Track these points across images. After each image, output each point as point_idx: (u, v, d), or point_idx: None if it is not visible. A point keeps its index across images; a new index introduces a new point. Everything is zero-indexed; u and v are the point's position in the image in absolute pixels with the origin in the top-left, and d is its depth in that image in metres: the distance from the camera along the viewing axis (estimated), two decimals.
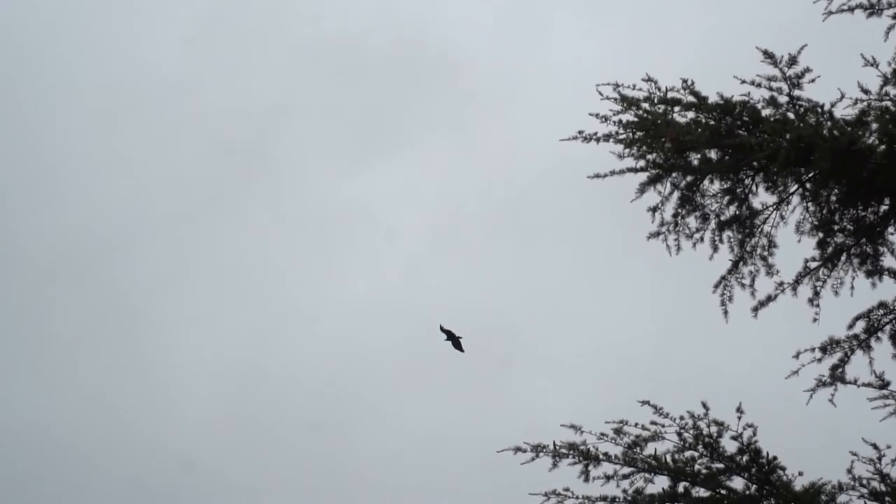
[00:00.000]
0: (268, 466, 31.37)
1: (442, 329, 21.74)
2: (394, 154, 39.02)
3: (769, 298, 10.15)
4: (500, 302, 33.98)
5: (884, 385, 9.99)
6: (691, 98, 9.71)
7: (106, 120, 38.31)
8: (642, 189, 9.90)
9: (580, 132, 9.88)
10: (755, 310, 10.16)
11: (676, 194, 9.96)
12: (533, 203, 36.27)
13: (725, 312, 10.16)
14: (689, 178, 9.85)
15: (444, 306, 34.16)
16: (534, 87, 38.45)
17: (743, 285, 10.15)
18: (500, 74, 39.25)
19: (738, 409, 10.15)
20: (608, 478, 10.12)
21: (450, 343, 21.47)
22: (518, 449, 10.11)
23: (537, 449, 10.12)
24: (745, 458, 10.08)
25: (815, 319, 10.10)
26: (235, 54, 39.75)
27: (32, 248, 36.52)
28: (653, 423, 10.19)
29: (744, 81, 9.55)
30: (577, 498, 10.11)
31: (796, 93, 9.52)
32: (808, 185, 9.73)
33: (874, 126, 9.37)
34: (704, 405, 10.23)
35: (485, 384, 31.06)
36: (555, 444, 10.12)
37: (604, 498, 10.11)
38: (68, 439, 32.17)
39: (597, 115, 9.83)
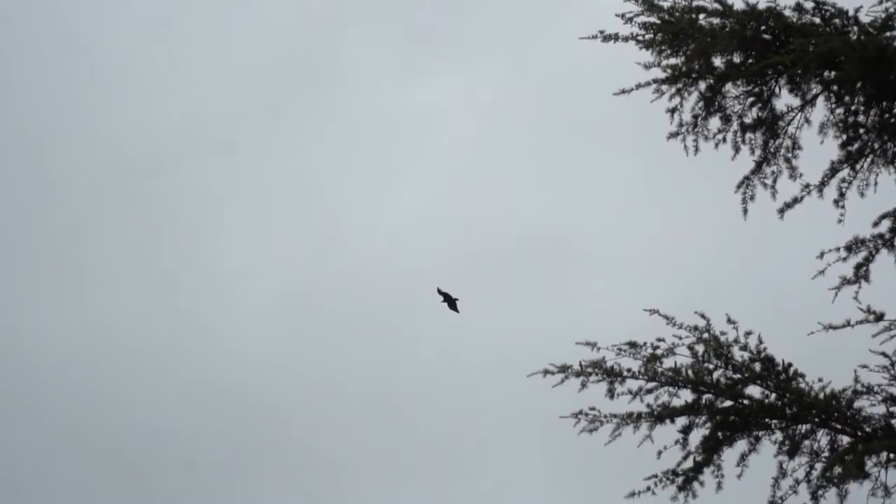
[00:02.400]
0: (315, 385, 31.90)
1: (439, 291, 22.08)
2: (447, 66, 39.10)
3: (795, 200, 10.24)
4: (554, 210, 34.24)
5: (879, 317, 9.86)
6: (716, 6, 9.73)
7: (158, 33, 38.62)
8: (661, 90, 9.98)
9: (601, 31, 9.94)
10: (781, 211, 10.27)
11: (697, 95, 9.99)
12: (586, 113, 36.30)
13: (745, 211, 10.32)
14: (711, 81, 9.89)
15: (498, 216, 34.43)
16: None
17: (765, 185, 10.28)
18: None
19: (729, 320, 10.25)
20: (633, 394, 10.25)
21: (446, 304, 21.86)
22: (546, 371, 10.27)
23: (564, 370, 10.27)
24: (759, 366, 10.18)
25: (839, 221, 10.19)
26: None
27: (82, 165, 37.02)
28: (659, 339, 10.27)
29: None
30: (605, 417, 10.25)
31: None
32: (833, 88, 9.76)
33: None
34: (703, 316, 10.32)
35: (539, 294, 31.42)
36: (581, 364, 10.28)
37: (630, 415, 10.22)
38: (115, 354, 32.88)
39: (621, 16, 9.88)
